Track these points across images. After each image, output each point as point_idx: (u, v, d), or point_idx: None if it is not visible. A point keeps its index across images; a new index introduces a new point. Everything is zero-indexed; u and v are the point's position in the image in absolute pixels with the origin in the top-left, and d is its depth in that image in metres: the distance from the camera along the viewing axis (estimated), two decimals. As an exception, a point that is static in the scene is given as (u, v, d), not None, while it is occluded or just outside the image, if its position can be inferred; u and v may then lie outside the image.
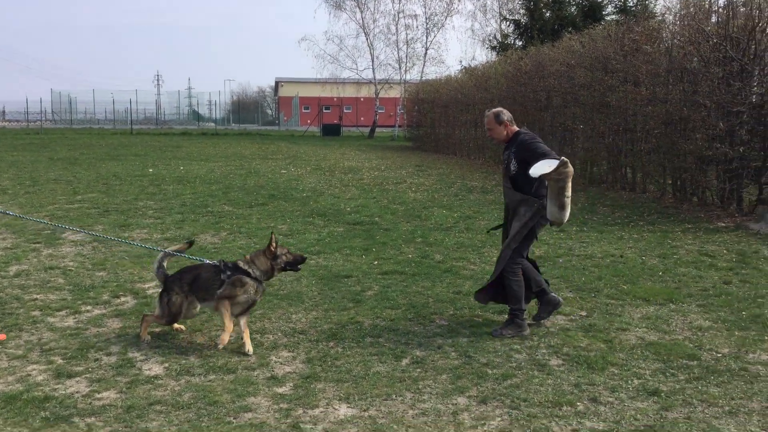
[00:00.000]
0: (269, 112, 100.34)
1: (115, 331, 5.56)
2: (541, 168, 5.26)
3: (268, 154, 25.79)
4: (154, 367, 4.81)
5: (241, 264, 5.38)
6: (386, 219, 10.90)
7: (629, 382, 4.62)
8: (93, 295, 6.59)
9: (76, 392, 4.37)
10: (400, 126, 42.57)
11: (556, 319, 5.97)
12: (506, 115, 5.73)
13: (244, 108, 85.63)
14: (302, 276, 7.35)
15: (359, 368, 4.81)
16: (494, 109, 5.84)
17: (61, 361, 4.91)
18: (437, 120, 28.46)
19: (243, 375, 4.69)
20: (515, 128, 5.78)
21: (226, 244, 8.90)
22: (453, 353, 5.13)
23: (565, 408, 4.21)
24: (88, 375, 4.65)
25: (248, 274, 5.32)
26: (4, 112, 72.71)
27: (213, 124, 59.45)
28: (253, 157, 23.65)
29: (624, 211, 11.75)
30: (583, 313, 6.12)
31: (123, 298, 6.51)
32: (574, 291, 6.85)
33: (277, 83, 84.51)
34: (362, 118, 61.90)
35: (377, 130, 45.71)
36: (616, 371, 4.79)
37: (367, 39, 43.44)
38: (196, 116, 69.08)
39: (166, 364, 4.87)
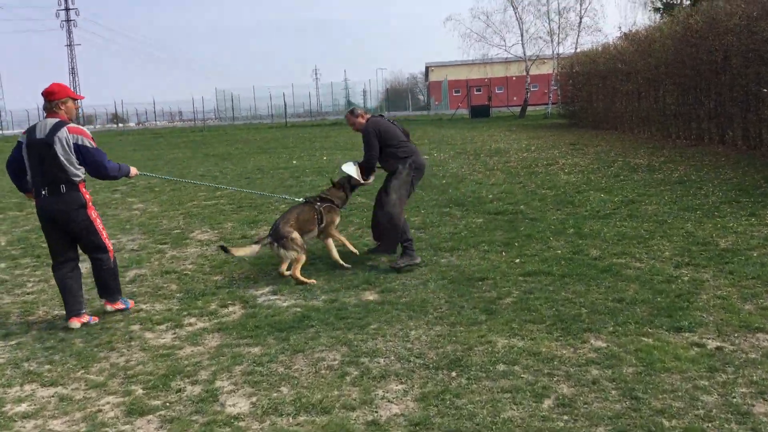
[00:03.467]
0: (421, 97, 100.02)
1: (210, 352, 4.87)
2: (348, 168, 7.15)
3: (413, 139, 24.94)
4: (239, 402, 4.02)
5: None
6: (533, 207, 9.60)
7: None
8: (201, 304, 6.00)
9: (142, 437, 3.67)
10: (553, 103, 40.16)
11: (756, 339, 4.50)
12: (360, 110, 7.26)
13: (397, 95, 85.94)
14: (430, 279, 6.35)
15: (485, 411, 3.72)
16: (350, 108, 7.52)
17: (140, 392, 4.25)
18: (594, 93, 26.19)
19: (339, 417, 3.77)
20: (369, 116, 7.16)
21: (353, 240, 8.07)
22: (613, 391, 3.88)
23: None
24: (162, 412, 3.94)
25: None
26: (180, 112, 78.08)
27: (365, 113, 59.91)
28: (397, 144, 22.93)
29: (832, 188, 9.57)
30: (794, 330, 4.59)
31: (231, 308, 5.86)
32: (778, 297, 5.28)
33: (427, 68, 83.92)
34: (515, 98, 59.56)
35: (529, 108, 43.53)
36: None
37: (515, 12, 41.28)
38: (351, 106, 70.05)
39: (254, 398, 4.06)
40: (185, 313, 5.80)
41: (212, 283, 6.66)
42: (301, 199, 7.10)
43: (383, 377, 4.27)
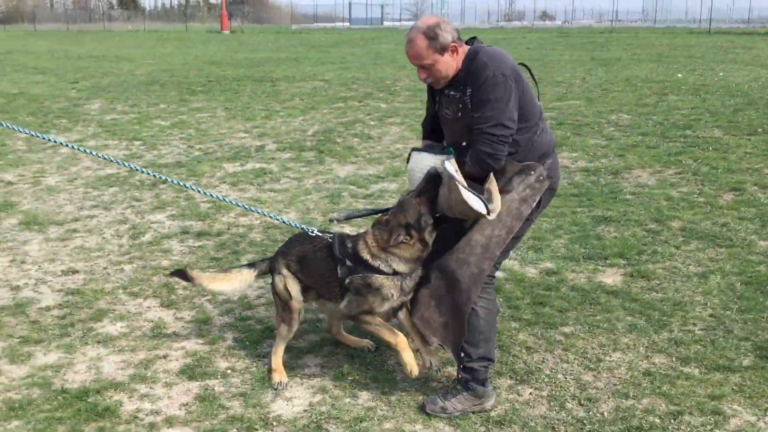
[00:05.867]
0: None
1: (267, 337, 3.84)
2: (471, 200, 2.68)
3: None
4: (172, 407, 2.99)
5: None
6: None
7: None
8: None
9: None
10: None
11: None
12: (449, 32, 2.81)
13: None
14: (717, 270, 4.26)
15: None
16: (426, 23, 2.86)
17: (123, 372, 3.50)
18: None
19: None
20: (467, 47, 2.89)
21: (656, 193, 6.03)
22: None
23: None
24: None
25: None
26: (615, 12, 73.88)
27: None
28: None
29: None
30: None
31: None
32: None
33: None
34: None
35: None
36: None
37: None
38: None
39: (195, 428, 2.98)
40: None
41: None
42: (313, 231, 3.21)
43: None
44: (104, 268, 4.51)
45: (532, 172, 2.87)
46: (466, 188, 2.67)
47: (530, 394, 3.02)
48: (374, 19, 65.42)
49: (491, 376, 3.05)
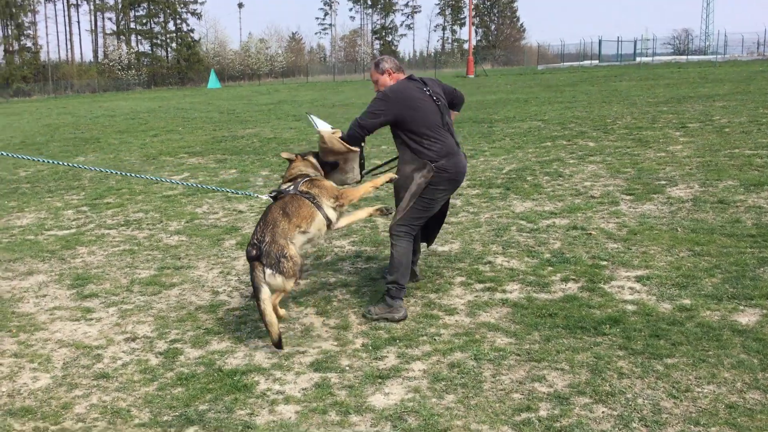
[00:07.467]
0: None
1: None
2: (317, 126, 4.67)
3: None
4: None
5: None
6: None
7: None
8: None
9: None
10: None
11: None
12: (388, 63, 4.76)
13: None
14: None
15: None
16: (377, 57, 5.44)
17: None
18: None
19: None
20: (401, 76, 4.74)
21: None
22: None
23: None
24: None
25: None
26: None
27: None
28: None
29: None
30: None
31: (513, 285, 4.93)
32: None
33: None
34: None
35: None
36: None
37: None
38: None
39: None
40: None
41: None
42: (261, 196, 4.66)
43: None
44: (285, 282, 5.42)
45: (425, 167, 4.46)
46: (317, 126, 4.58)
47: (602, 412, 3.19)
48: (626, 55, 63.19)
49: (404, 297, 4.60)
